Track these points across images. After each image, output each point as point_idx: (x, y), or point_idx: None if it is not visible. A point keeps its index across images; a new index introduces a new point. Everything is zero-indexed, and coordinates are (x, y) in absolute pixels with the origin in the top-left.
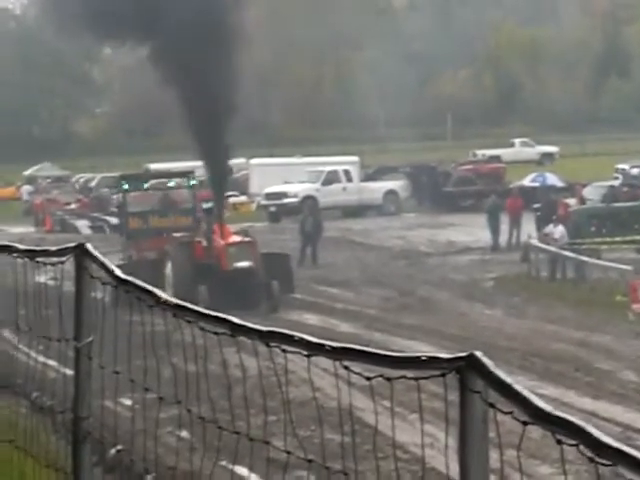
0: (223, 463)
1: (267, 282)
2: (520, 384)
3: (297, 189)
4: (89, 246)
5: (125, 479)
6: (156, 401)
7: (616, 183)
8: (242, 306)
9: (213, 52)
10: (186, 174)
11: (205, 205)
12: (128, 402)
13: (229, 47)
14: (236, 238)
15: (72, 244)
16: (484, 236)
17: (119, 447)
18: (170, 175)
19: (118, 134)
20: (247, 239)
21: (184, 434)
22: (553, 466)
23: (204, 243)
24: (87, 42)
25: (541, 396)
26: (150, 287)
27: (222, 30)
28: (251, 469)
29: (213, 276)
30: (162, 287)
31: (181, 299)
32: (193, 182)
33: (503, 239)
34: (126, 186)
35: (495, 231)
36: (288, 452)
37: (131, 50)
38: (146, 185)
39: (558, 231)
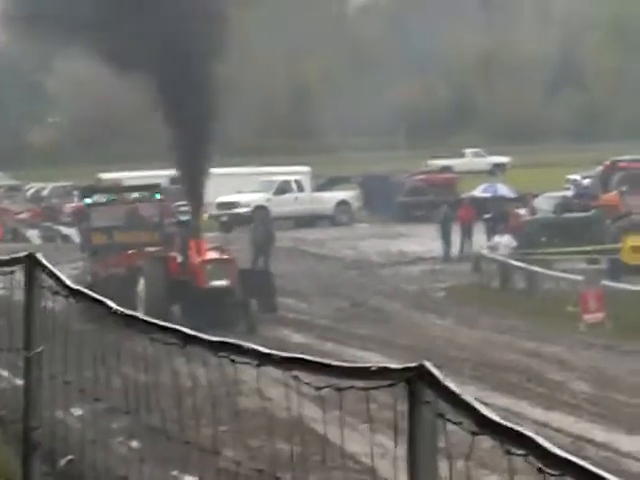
0: (174, 473)
1: (244, 301)
2: (471, 394)
3: (249, 199)
4: (39, 256)
5: None
6: (106, 411)
7: (568, 194)
8: (217, 326)
9: (191, 60)
10: (152, 187)
11: (181, 217)
12: (79, 412)
13: (205, 55)
14: (213, 255)
15: (22, 254)
16: (436, 246)
17: (70, 457)
18: (135, 189)
19: (70, 144)
20: (225, 256)
21: (134, 444)
22: (503, 476)
23: (179, 259)
24: (48, 46)
25: (493, 406)
26: (100, 297)
27: (196, 40)
28: (202, 479)
29: (188, 294)
30: (134, 305)
31: (154, 318)
32: (158, 196)
33: (455, 249)
34: (89, 200)
35: (447, 241)
36: (238, 462)
37: (89, 56)
38: (110, 198)
39: (504, 241)
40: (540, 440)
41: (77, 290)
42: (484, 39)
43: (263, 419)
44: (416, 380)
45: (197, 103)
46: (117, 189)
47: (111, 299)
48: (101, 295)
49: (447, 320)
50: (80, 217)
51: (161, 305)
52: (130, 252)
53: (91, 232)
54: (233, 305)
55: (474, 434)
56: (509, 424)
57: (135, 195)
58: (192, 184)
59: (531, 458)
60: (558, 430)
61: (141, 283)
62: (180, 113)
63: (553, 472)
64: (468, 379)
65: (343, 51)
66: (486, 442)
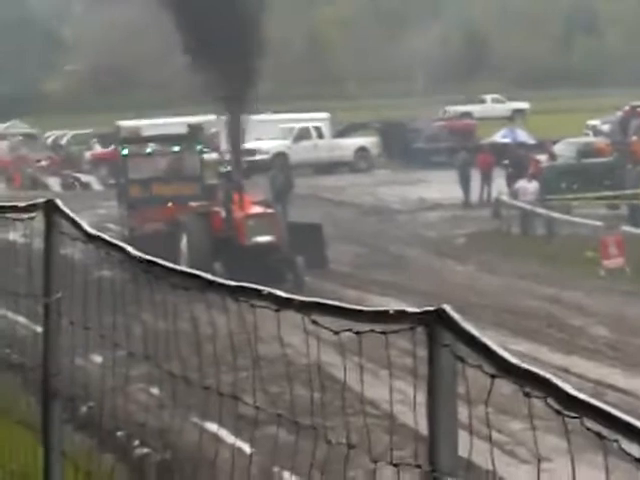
0: (194, 420)
1: (290, 257)
2: (491, 340)
3: (268, 146)
4: (58, 202)
5: (96, 436)
6: (126, 358)
7: (589, 139)
8: (261, 284)
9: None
10: (192, 137)
11: (223, 169)
12: (99, 359)
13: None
14: (256, 209)
15: (41, 200)
16: (455, 192)
17: (90, 404)
18: (173, 138)
19: (88, 92)
20: (268, 210)
21: (154, 391)
22: (523, 422)
23: (222, 214)
24: None
25: (513, 352)
26: (119, 242)
27: None
28: (221, 424)
29: (230, 251)
30: (177, 264)
31: None
32: (199, 146)
33: (474, 195)
34: (126, 151)
35: (466, 187)
36: (257, 407)
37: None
38: (148, 150)
39: (532, 186)
40: (559, 382)
41: (96, 236)
42: None
43: (282, 365)
44: (435, 323)
45: (238, 43)
46: (156, 139)
47: (153, 256)
48: (142, 251)
49: (467, 266)
50: (116, 168)
51: (204, 263)
52: (170, 206)
53: (128, 184)
54: (278, 261)
55: (493, 377)
56: (528, 366)
57: (175, 147)
58: (233, 134)
59: (550, 401)
60: (579, 375)
61: (184, 240)
62: (220, 55)
63: (572, 414)
64: (488, 325)
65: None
66: (506, 387)
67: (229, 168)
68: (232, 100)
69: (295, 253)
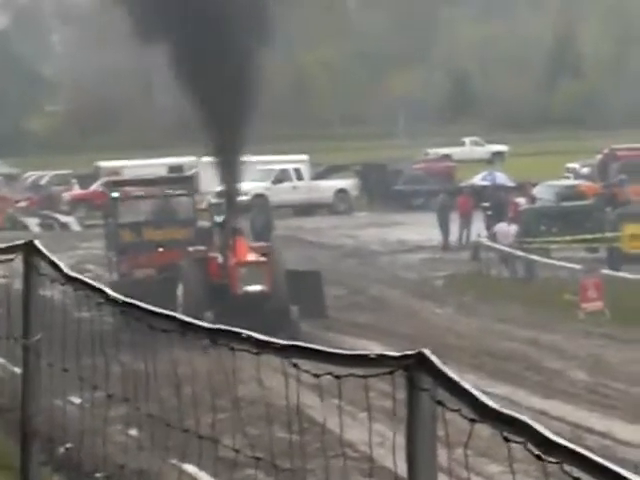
0: (173, 461)
1: (284, 307)
2: (470, 383)
3: (247, 187)
4: (38, 243)
5: (74, 478)
6: (105, 399)
7: (569, 182)
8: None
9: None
10: (185, 179)
11: (217, 218)
12: (77, 400)
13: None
14: (250, 256)
15: (21, 242)
16: (434, 235)
17: (68, 445)
18: (165, 181)
19: (69, 132)
20: (260, 259)
21: (133, 432)
22: (503, 465)
23: (219, 260)
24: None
25: (491, 395)
26: (98, 284)
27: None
28: (200, 467)
29: (223, 300)
30: (175, 311)
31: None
32: (193, 189)
33: (453, 238)
34: (116, 194)
35: (445, 230)
36: (237, 450)
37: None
38: (139, 193)
39: (511, 229)
40: (538, 427)
41: (75, 277)
42: (481, 27)
43: (262, 407)
44: (415, 367)
45: (231, 81)
46: (146, 182)
47: (149, 304)
48: (137, 299)
49: (446, 309)
50: (106, 212)
51: (197, 311)
52: (163, 251)
53: (118, 228)
54: (271, 312)
55: (473, 421)
56: (507, 411)
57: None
58: (227, 176)
59: (530, 446)
60: (557, 418)
61: (180, 287)
62: (212, 93)
63: (552, 459)
64: (467, 367)
65: (343, 41)
66: (485, 430)
67: (222, 217)
68: (226, 141)
69: (291, 302)
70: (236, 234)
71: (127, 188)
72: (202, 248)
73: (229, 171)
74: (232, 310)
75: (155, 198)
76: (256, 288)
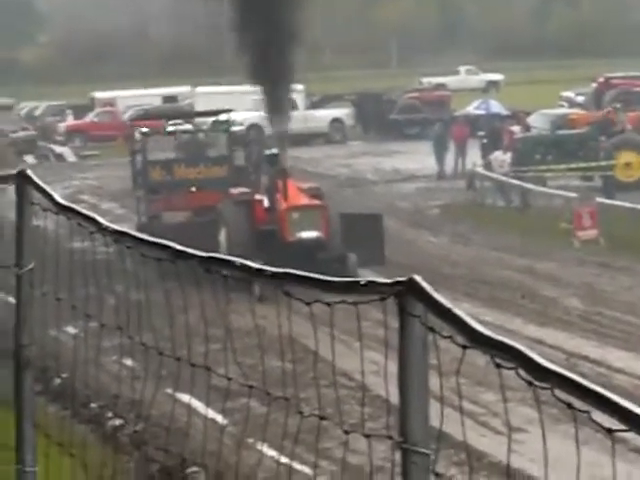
0: (168, 391)
1: (341, 255)
2: (465, 311)
3: (242, 117)
4: (30, 173)
5: (69, 407)
6: (98, 329)
7: (564, 110)
8: None
9: None
10: (218, 113)
11: (267, 151)
12: (71, 330)
13: None
14: (302, 199)
15: (13, 171)
16: (430, 164)
17: (63, 376)
18: (198, 115)
19: (62, 63)
20: (315, 202)
21: (127, 362)
22: (498, 393)
23: (265, 203)
24: None
25: (486, 323)
26: (91, 214)
27: None
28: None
29: (273, 248)
30: None
31: None
32: (228, 125)
33: (448, 167)
34: (145, 129)
35: (440, 159)
36: (229, 379)
37: None
38: (170, 127)
39: (506, 158)
40: (529, 353)
41: (68, 207)
42: None
43: (255, 337)
44: (406, 294)
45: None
46: (176, 115)
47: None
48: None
49: (441, 237)
50: (133, 148)
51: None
52: (198, 191)
53: (148, 165)
54: (326, 260)
55: (464, 347)
56: (498, 337)
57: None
58: (275, 108)
59: (521, 372)
60: (552, 347)
61: (222, 233)
62: (267, 22)
63: (543, 385)
64: (462, 295)
65: None
66: (481, 358)
67: (273, 150)
68: (273, 69)
69: (347, 249)
70: (285, 174)
71: (158, 123)
72: (246, 190)
73: (276, 102)
74: (283, 258)
75: (188, 133)
76: (310, 234)
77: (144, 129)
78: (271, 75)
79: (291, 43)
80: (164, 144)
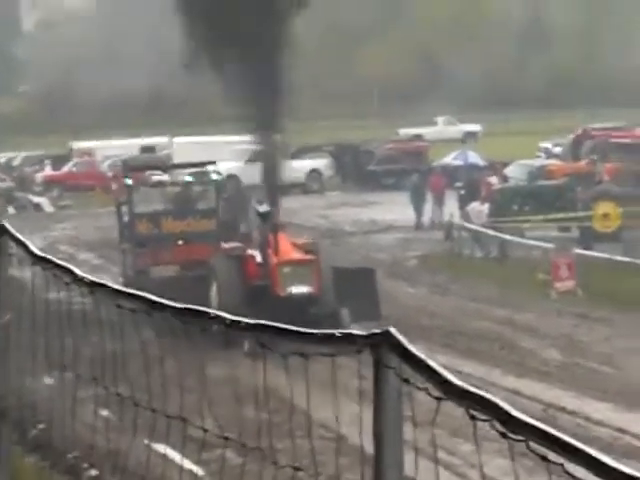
0: (145, 442)
1: (333, 310)
2: (443, 363)
3: (220, 168)
4: (6, 224)
5: (46, 457)
6: (75, 380)
7: (542, 162)
8: None
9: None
10: (205, 164)
11: (260, 208)
12: (48, 381)
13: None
14: (294, 254)
15: None
16: (407, 214)
17: (40, 426)
18: (185, 166)
19: (41, 113)
20: (306, 257)
21: (104, 413)
22: (475, 444)
23: (257, 259)
24: None
25: (465, 375)
26: (66, 264)
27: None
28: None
29: (264, 303)
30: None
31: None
32: (216, 177)
33: (426, 218)
34: (130, 181)
35: (418, 210)
36: (205, 430)
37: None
38: (156, 178)
39: (484, 209)
40: (504, 405)
41: (43, 257)
42: (448, 5)
43: (231, 388)
44: (381, 346)
45: (274, 71)
46: (165, 167)
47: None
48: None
49: (419, 288)
50: (118, 200)
51: (235, 316)
52: (184, 244)
53: (134, 218)
54: (318, 316)
55: (439, 399)
56: (472, 388)
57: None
58: (267, 164)
59: (495, 424)
60: (530, 398)
61: (214, 288)
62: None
63: (517, 437)
64: (440, 347)
65: (311, 18)
66: (458, 409)
67: (266, 206)
68: (264, 123)
69: (340, 304)
70: (277, 228)
71: (141, 174)
72: (237, 244)
73: (268, 157)
74: (275, 314)
75: (174, 185)
76: (302, 290)
77: (128, 181)
78: (263, 124)
79: (280, 92)
80: (151, 196)
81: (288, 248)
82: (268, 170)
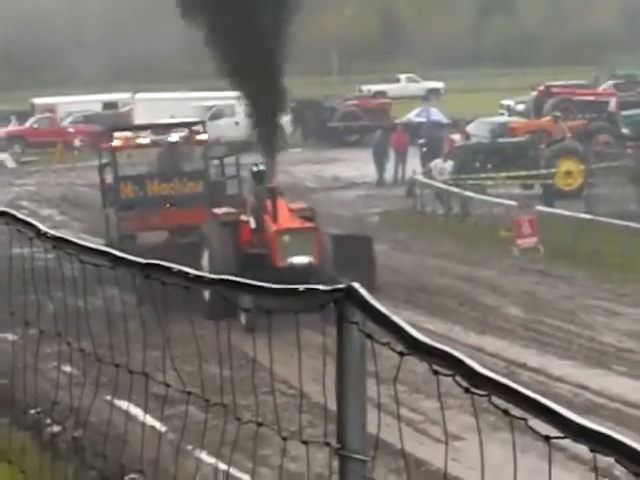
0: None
1: (334, 282)
2: (405, 319)
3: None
4: None
5: (9, 415)
6: (38, 336)
7: (504, 119)
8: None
9: None
10: (193, 124)
11: (254, 167)
12: (10, 337)
13: None
14: (294, 222)
15: None
16: (369, 171)
17: (2, 382)
18: (172, 126)
19: (3, 69)
20: (308, 224)
21: (66, 369)
22: (437, 401)
23: (252, 225)
24: None
25: (426, 331)
26: (29, 219)
27: None
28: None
29: (261, 273)
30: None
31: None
32: (204, 136)
33: (388, 174)
34: (116, 142)
35: (380, 166)
36: (167, 385)
37: None
38: (141, 140)
39: (447, 166)
40: (467, 360)
41: (5, 212)
42: None
43: (194, 345)
44: (344, 301)
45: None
46: (149, 127)
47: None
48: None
49: (381, 245)
50: (102, 162)
51: None
52: (172, 208)
53: (119, 181)
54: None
55: (401, 354)
56: (435, 344)
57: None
58: (264, 120)
59: (458, 379)
60: (492, 355)
61: (205, 256)
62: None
63: (480, 392)
64: (402, 303)
65: None
66: (421, 366)
67: (261, 166)
68: (263, 80)
69: (339, 274)
70: (274, 194)
71: (128, 134)
72: (230, 210)
73: (268, 115)
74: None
75: (160, 146)
76: (303, 260)
77: (114, 142)
78: (260, 87)
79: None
80: (135, 158)
81: (287, 215)
82: (262, 126)
